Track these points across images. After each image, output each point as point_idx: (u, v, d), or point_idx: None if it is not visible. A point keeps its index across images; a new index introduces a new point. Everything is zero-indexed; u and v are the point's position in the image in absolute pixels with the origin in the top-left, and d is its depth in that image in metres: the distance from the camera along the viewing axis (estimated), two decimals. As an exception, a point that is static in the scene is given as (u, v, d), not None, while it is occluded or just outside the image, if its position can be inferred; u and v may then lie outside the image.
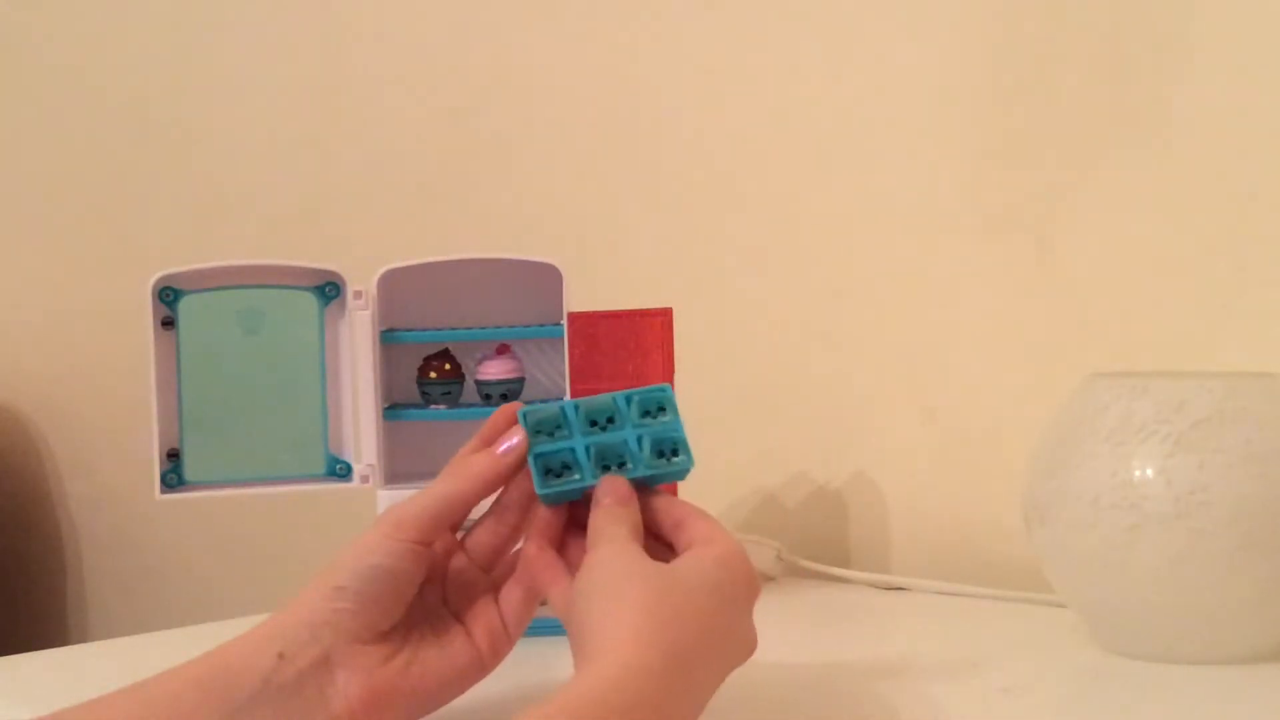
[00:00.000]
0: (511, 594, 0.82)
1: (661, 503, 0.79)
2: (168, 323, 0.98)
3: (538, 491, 0.79)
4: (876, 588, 1.14)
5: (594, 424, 0.80)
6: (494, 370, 1.03)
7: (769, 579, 1.16)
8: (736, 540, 0.76)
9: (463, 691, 0.79)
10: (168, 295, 0.97)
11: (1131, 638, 0.88)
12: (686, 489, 1.08)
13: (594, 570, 0.74)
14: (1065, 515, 0.88)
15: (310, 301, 1.00)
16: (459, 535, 0.82)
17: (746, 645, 0.76)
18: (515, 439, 0.80)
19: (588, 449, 0.79)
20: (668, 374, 1.07)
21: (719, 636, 0.73)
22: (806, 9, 1.24)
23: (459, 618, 0.80)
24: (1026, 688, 0.87)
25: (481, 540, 0.82)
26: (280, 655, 0.74)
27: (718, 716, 0.87)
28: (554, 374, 1.03)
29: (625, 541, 0.75)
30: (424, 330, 1.03)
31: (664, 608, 0.70)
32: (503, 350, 1.03)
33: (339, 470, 1.00)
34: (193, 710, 0.72)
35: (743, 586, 0.75)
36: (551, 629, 1.00)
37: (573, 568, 0.78)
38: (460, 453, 0.82)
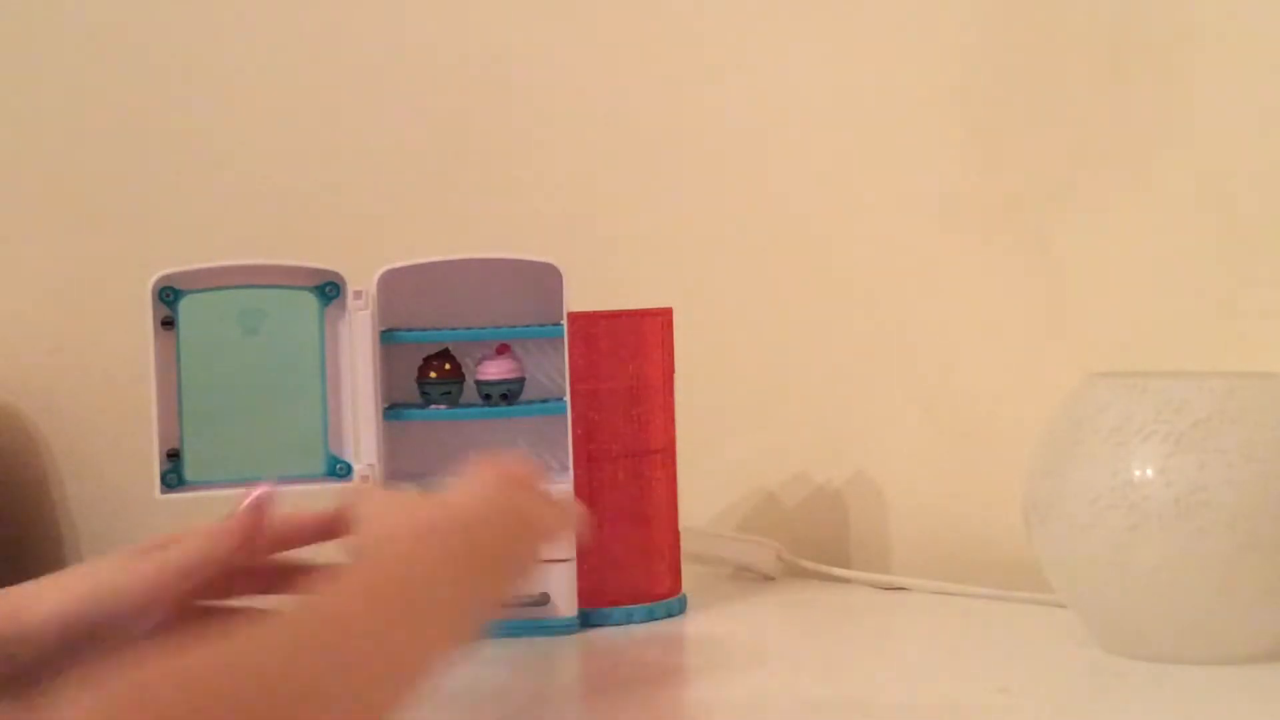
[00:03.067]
0: None
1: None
2: (168, 323, 0.98)
3: None
4: (877, 588, 1.14)
5: None
6: (494, 370, 1.03)
7: (769, 579, 1.16)
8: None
9: None
10: (168, 295, 0.97)
11: (1131, 638, 0.88)
12: (684, 489, 1.08)
13: None
14: (1065, 515, 0.88)
15: (310, 301, 1.00)
16: None
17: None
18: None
19: None
20: (668, 374, 1.07)
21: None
22: (807, 9, 1.24)
23: None
24: (1026, 688, 0.87)
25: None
26: (11, 657, 0.76)
27: (718, 716, 0.88)
28: (554, 374, 1.03)
29: None
30: (424, 330, 1.03)
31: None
32: (502, 350, 1.03)
33: (339, 470, 1.00)
34: None
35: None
36: (550, 629, 1.00)
37: None
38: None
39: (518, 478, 0.83)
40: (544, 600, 0.99)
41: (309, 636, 0.64)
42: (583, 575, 1.00)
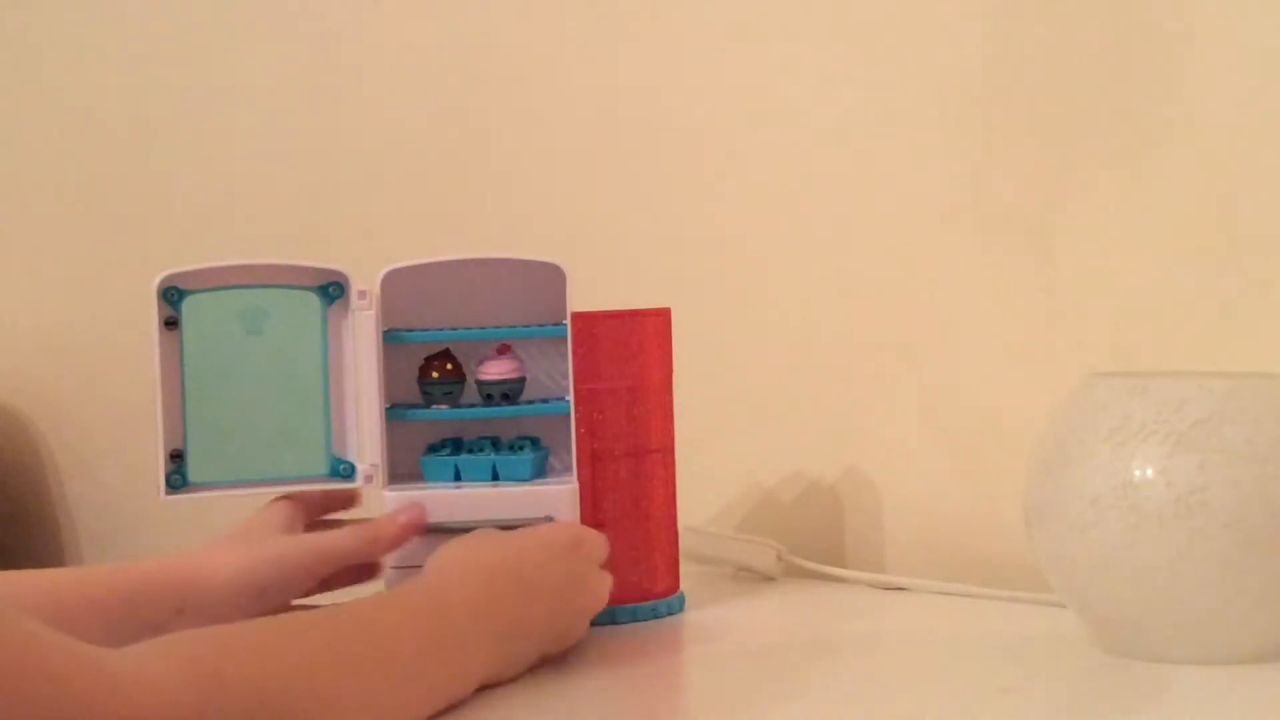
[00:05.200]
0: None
1: None
2: (171, 323, 0.98)
3: None
4: (876, 588, 1.14)
5: None
6: (494, 370, 1.03)
7: (769, 579, 1.17)
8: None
9: None
10: (171, 295, 0.98)
11: (1131, 638, 0.88)
12: (684, 489, 1.08)
13: None
14: (1065, 515, 0.88)
15: (313, 302, 1.00)
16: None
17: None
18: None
19: None
20: (666, 374, 1.07)
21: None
22: (807, 8, 1.24)
23: None
24: (1026, 688, 0.87)
25: None
26: (179, 612, 0.88)
27: (719, 715, 0.88)
28: (555, 374, 1.03)
29: None
30: (426, 330, 1.03)
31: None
32: (504, 350, 1.04)
33: (342, 471, 1.01)
34: (85, 624, 0.80)
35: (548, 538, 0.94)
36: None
37: None
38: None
39: (585, 546, 0.95)
40: None
41: (348, 638, 0.76)
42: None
